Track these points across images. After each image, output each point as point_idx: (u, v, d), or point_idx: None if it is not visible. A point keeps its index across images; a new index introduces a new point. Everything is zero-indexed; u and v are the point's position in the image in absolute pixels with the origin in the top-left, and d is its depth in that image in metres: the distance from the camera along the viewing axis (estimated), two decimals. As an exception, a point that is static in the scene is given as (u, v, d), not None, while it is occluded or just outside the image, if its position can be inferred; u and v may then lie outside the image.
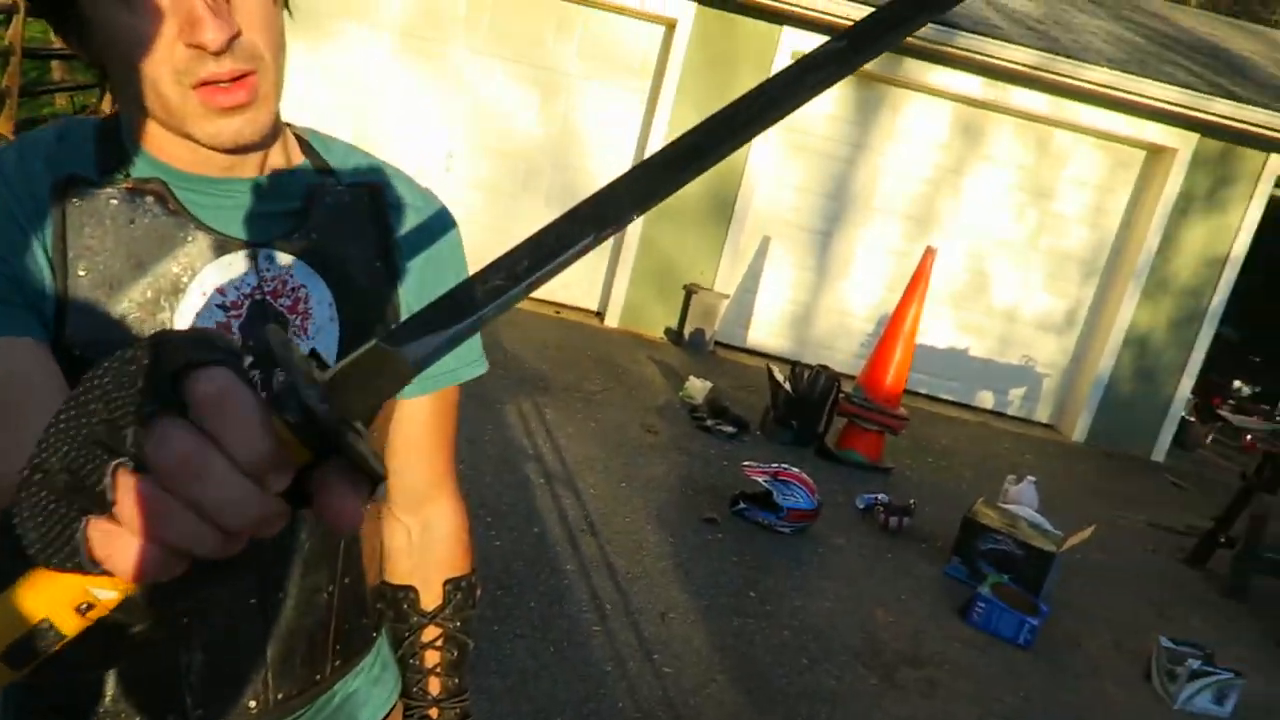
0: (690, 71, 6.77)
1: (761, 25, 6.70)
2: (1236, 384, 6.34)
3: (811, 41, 6.71)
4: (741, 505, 4.25)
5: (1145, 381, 7.21)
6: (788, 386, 5.43)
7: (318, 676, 0.90)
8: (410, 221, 0.91)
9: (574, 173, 7.11)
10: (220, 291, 0.78)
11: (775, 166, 7.11)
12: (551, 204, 7.10)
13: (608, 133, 7.08)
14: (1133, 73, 6.64)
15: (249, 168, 0.81)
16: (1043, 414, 7.58)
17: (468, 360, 0.98)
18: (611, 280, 7.08)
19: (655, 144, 6.83)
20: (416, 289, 0.91)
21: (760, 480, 4.20)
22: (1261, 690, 3.78)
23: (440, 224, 0.95)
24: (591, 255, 6.29)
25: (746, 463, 4.40)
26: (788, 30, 6.68)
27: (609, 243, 7.08)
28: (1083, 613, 4.18)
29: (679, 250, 6.98)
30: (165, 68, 0.70)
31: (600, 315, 7.21)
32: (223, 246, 0.79)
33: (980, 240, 7.32)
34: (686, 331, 6.89)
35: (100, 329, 0.74)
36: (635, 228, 6.93)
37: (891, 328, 5.48)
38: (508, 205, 7.02)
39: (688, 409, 5.50)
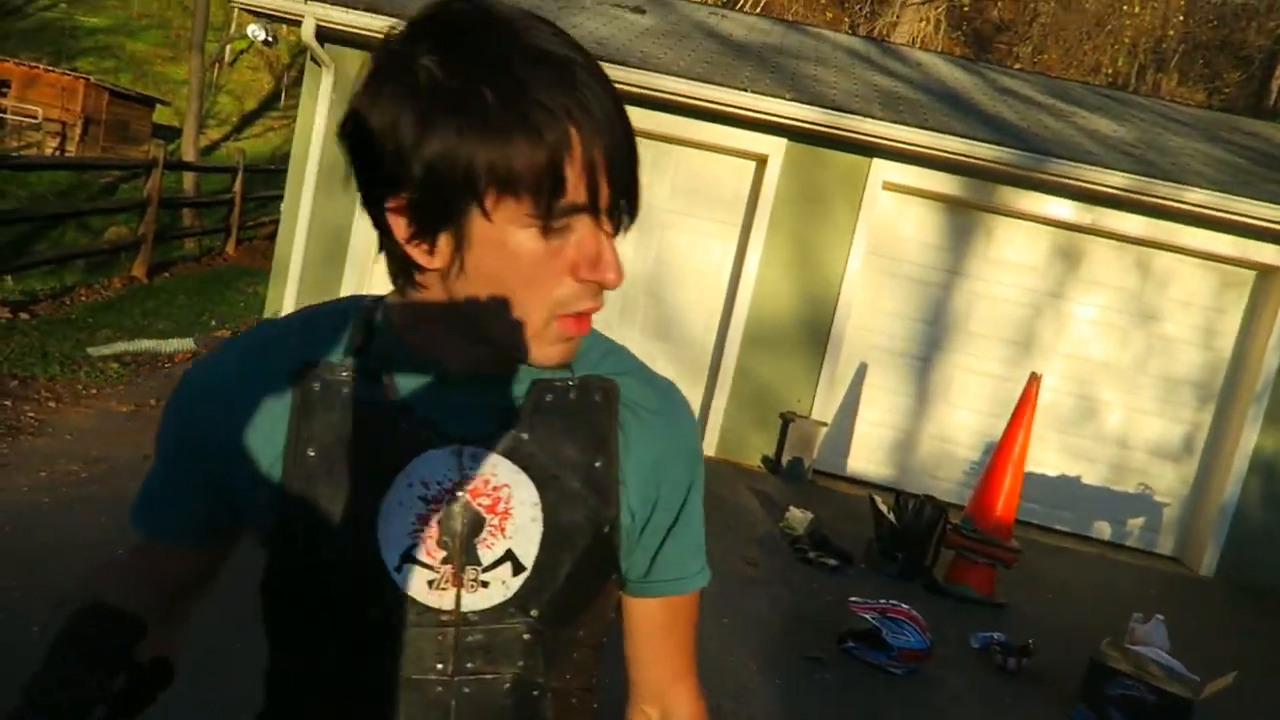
0: (782, 203, 6.91)
1: (852, 157, 6.83)
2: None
3: (902, 172, 6.80)
4: (849, 644, 4.08)
5: (1278, 511, 6.78)
6: (892, 517, 5.28)
7: None
8: (643, 424, 0.89)
9: (669, 304, 7.24)
10: (424, 485, 0.80)
11: (869, 293, 7.12)
12: (647, 334, 7.21)
13: (701, 264, 7.22)
14: (1235, 193, 6.51)
15: (494, 366, 0.83)
16: (1165, 545, 7.16)
17: (691, 572, 0.97)
18: (708, 408, 7.08)
19: (748, 273, 6.94)
20: (640, 493, 0.89)
21: (868, 617, 4.04)
22: None
23: (676, 427, 0.92)
24: (687, 384, 6.31)
25: (853, 599, 4.25)
26: (878, 161, 6.80)
27: (704, 371, 7.13)
28: (1230, 768, 3.84)
29: (775, 378, 6.97)
30: (548, 294, 0.74)
31: (695, 444, 7.18)
32: (432, 441, 0.81)
33: (1085, 365, 7.13)
34: (784, 460, 6.81)
35: (317, 507, 0.79)
36: (731, 356, 6.97)
37: (999, 455, 5.31)
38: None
39: (789, 540, 5.38)
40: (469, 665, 0.83)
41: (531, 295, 0.74)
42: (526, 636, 0.84)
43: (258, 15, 7.15)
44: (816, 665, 3.93)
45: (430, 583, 0.81)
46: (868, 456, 7.28)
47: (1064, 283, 7.12)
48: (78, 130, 17.20)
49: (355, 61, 7.05)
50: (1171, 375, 7.11)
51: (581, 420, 0.85)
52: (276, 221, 7.73)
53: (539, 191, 0.70)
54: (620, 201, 0.75)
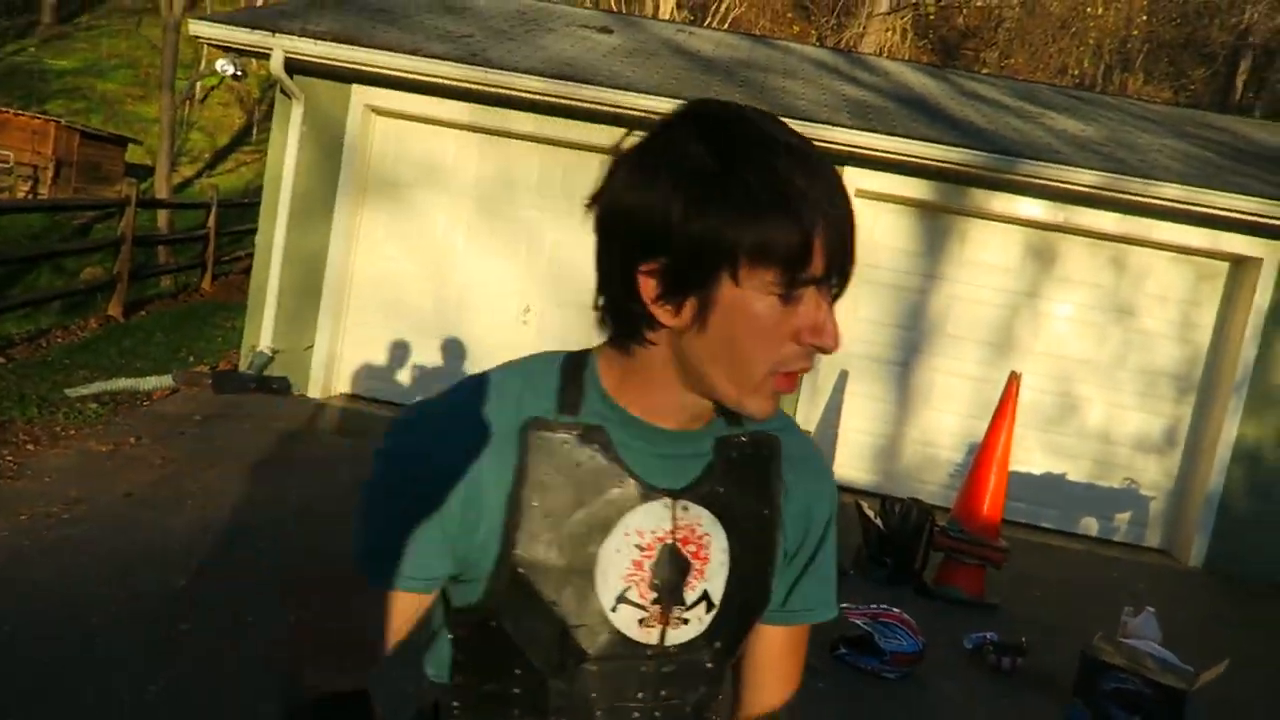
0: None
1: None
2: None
3: (873, 179, 6.85)
4: (842, 650, 4.07)
5: (1263, 499, 6.81)
6: (879, 522, 5.28)
7: None
8: (797, 473, 1.01)
9: (648, 319, 7.24)
10: (639, 533, 0.90)
11: (846, 301, 7.05)
12: (628, 351, 7.20)
13: (679, 279, 7.22)
14: (1205, 186, 6.59)
15: (693, 422, 0.92)
16: (1152, 538, 7.19)
17: (826, 602, 1.08)
18: (691, 423, 7.06)
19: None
20: (794, 538, 1.02)
21: (859, 623, 4.03)
22: None
23: (821, 475, 1.05)
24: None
25: (843, 605, 4.23)
26: (849, 169, 6.84)
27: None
28: (1227, 757, 3.85)
29: (757, 389, 6.96)
30: (774, 354, 0.84)
31: (682, 458, 7.17)
32: (647, 494, 0.90)
33: (1064, 362, 7.17)
34: (770, 470, 6.79)
35: (540, 554, 0.88)
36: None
37: (983, 456, 5.33)
38: (585, 355, 7.13)
39: (777, 550, 5.36)
40: (663, 693, 0.94)
41: (759, 353, 0.83)
42: (709, 665, 0.97)
43: (226, 50, 7.15)
44: (810, 673, 3.90)
45: (640, 621, 0.91)
46: (852, 463, 7.28)
47: (1040, 282, 7.17)
48: (49, 173, 17.11)
49: (325, 92, 7.06)
50: (1151, 369, 7.16)
51: (755, 474, 0.97)
52: (252, 255, 7.72)
53: (788, 265, 0.80)
54: (842, 274, 0.86)
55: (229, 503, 4.72)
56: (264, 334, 7.16)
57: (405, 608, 0.93)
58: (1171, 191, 6.53)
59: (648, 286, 0.83)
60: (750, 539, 0.96)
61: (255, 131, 24.17)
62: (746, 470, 0.96)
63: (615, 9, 18.02)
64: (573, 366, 0.92)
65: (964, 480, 5.49)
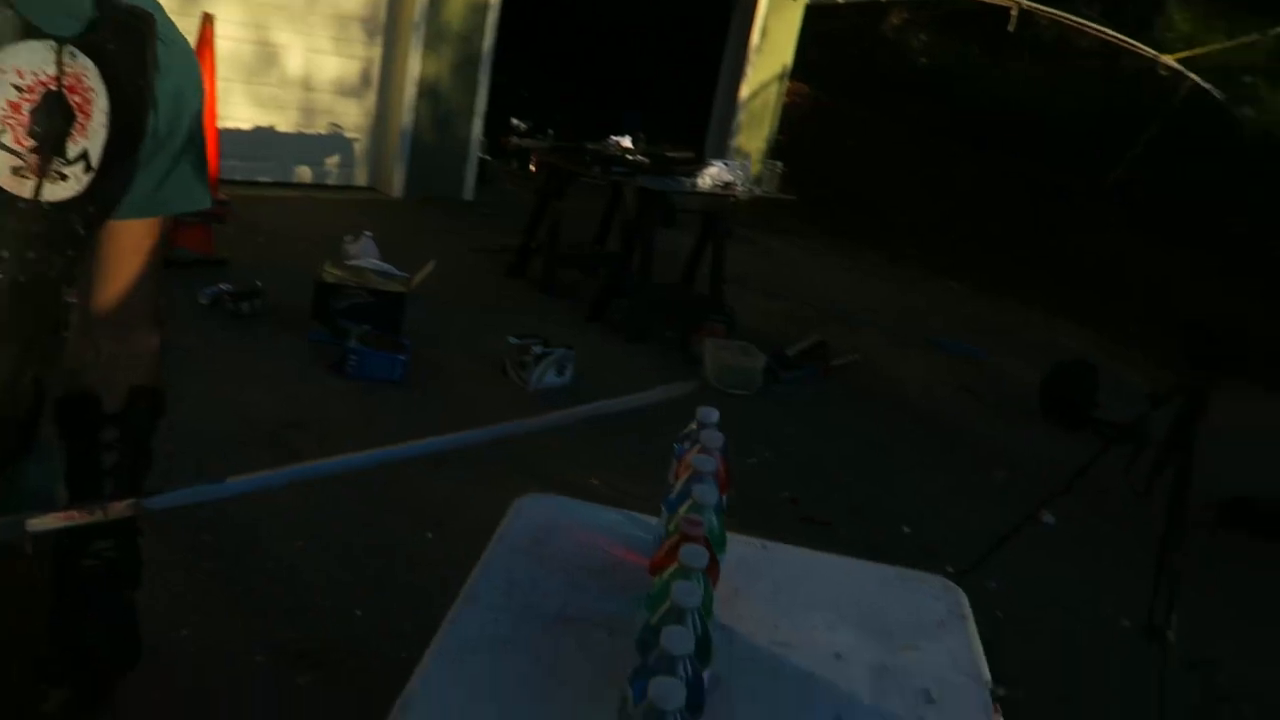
0: None
1: None
2: (515, 121, 7.18)
3: None
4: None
5: (443, 130, 7.75)
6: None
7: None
8: (169, 57, 0.96)
9: None
10: (19, 73, 0.84)
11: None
12: None
13: None
14: None
15: None
16: (361, 178, 7.76)
17: (199, 191, 1.04)
18: None
19: None
20: (166, 121, 0.97)
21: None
22: (584, 356, 4.61)
23: (193, 65, 1.02)
24: None
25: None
26: None
27: None
28: (440, 338, 4.62)
29: None
30: None
31: None
32: (30, 31, 0.83)
33: (259, 8, 6.91)
34: None
35: None
36: None
37: (186, 109, 5.03)
38: None
39: None
40: (31, 255, 0.90)
41: None
42: (81, 231, 0.93)
43: None
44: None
45: (15, 170, 0.86)
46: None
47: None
48: None
49: None
50: (341, 12, 7.31)
51: (134, 44, 0.92)
52: None
53: None
54: None
55: None
56: None
57: None
58: None
59: None
60: (129, 107, 0.93)
61: None
62: (127, 36, 0.92)
63: None
64: None
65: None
